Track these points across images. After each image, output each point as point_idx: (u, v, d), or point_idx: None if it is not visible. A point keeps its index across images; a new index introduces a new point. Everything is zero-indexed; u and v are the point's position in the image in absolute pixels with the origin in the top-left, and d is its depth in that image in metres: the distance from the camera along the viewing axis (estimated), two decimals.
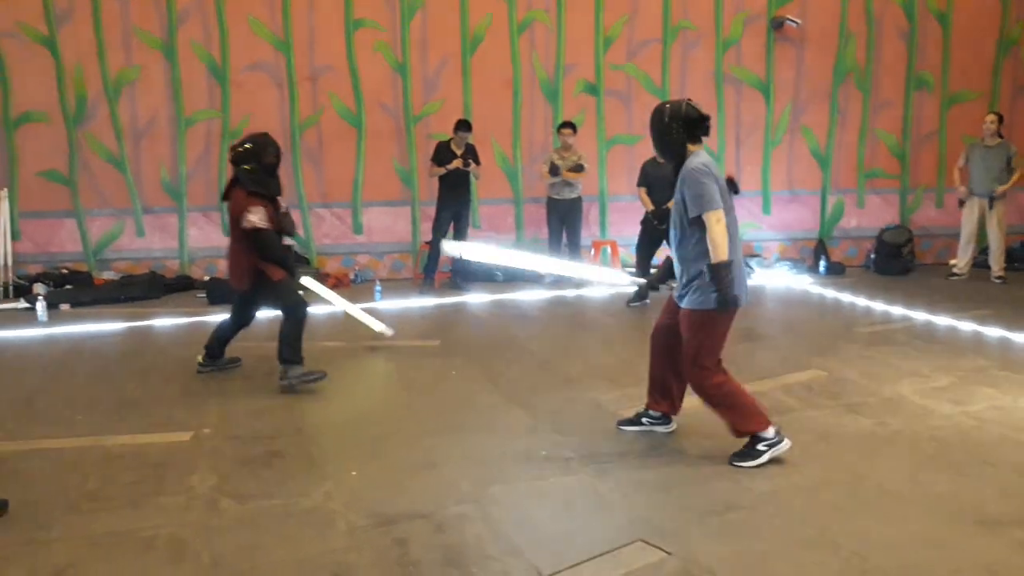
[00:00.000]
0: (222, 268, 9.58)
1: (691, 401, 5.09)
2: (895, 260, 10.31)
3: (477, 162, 9.15)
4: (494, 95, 9.94)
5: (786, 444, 4.08)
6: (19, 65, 9.03)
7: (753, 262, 9.95)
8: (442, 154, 9.05)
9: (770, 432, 4.05)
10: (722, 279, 3.91)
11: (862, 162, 10.83)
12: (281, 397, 5.26)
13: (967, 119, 10.55)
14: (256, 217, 5.21)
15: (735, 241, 4.03)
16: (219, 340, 5.82)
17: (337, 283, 9.54)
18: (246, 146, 5.37)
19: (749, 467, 4.00)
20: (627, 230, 10.42)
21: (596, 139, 10.20)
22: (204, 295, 8.68)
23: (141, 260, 9.53)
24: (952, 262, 9.87)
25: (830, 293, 8.89)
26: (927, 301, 8.20)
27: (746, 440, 4.08)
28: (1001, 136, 9.39)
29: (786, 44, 10.46)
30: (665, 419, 4.57)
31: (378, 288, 8.66)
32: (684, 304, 4.15)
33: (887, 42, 10.61)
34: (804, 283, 9.53)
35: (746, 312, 7.77)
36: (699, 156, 4.07)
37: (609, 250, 9.96)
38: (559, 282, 9.45)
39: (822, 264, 10.34)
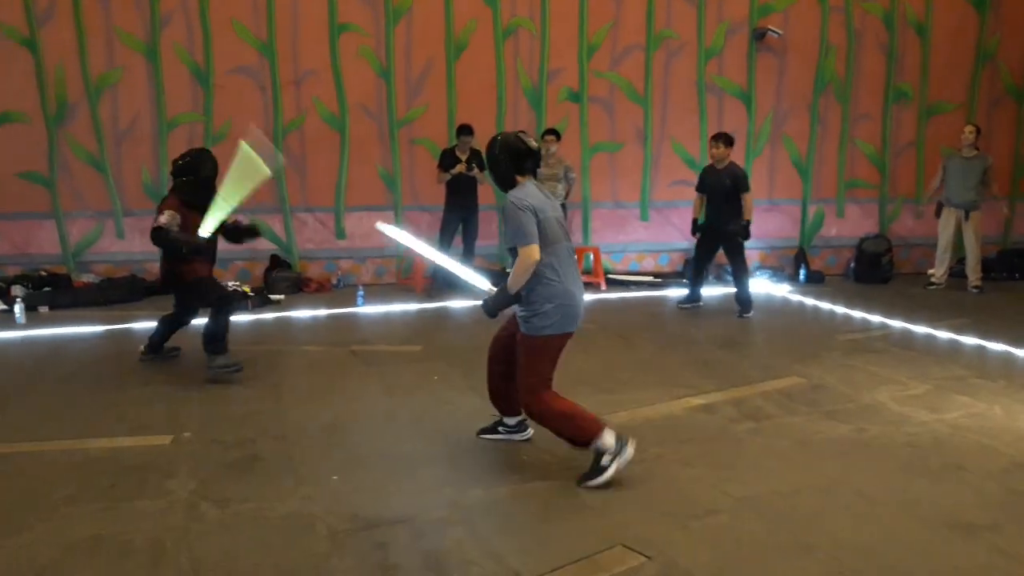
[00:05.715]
0: None
1: (670, 407, 5.16)
2: (874, 269, 10.42)
3: (481, 167, 9.14)
4: (478, 101, 9.95)
5: (630, 451, 3.91)
6: None
7: None
8: (447, 160, 9.14)
9: (610, 440, 3.89)
10: (495, 300, 4.12)
11: (842, 172, 10.94)
12: (263, 402, 5.24)
13: (945, 130, 10.69)
14: (163, 217, 5.55)
15: (565, 271, 4.04)
16: (159, 334, 6.24)
17: (319, 288, 9.52)
18: (185, 160, 5.79)
19: (598, 484, 3.85)
20: (609, 237, 10.49)
21: (580, 146, 10.24)
22: None
23: (121, 263, 9.44)
24: (930, 272, 9.98)
25: (810, 301, 8.96)
26: (905, 310, 8.28)
27: (591, 460, 3.93)
28: (978, 148, 9.51)
29: (768, 54, 10.56)
30: (520, 427, 4.53)
31: (360, 293, 8.65)
32: (521, 329, 4.12)
33: (867, 54, 10.73)
34: (784, 291, 9.60)
35: (726, 320, 7.90)
36: (522, 188, 4.06)
37: (592, 256, 9.98)
38: None
39: (802, 273, 10.42)
